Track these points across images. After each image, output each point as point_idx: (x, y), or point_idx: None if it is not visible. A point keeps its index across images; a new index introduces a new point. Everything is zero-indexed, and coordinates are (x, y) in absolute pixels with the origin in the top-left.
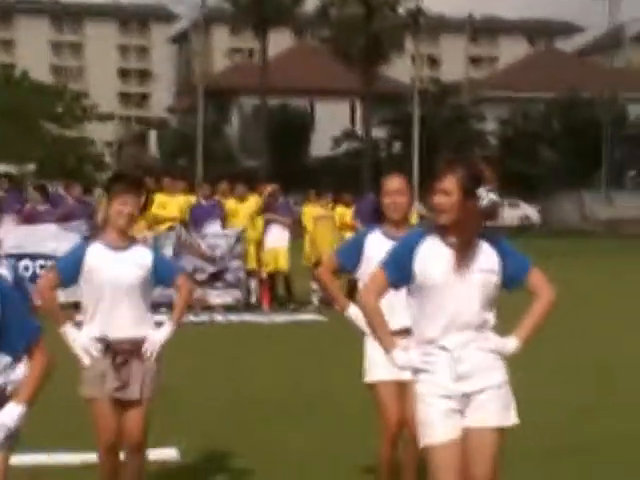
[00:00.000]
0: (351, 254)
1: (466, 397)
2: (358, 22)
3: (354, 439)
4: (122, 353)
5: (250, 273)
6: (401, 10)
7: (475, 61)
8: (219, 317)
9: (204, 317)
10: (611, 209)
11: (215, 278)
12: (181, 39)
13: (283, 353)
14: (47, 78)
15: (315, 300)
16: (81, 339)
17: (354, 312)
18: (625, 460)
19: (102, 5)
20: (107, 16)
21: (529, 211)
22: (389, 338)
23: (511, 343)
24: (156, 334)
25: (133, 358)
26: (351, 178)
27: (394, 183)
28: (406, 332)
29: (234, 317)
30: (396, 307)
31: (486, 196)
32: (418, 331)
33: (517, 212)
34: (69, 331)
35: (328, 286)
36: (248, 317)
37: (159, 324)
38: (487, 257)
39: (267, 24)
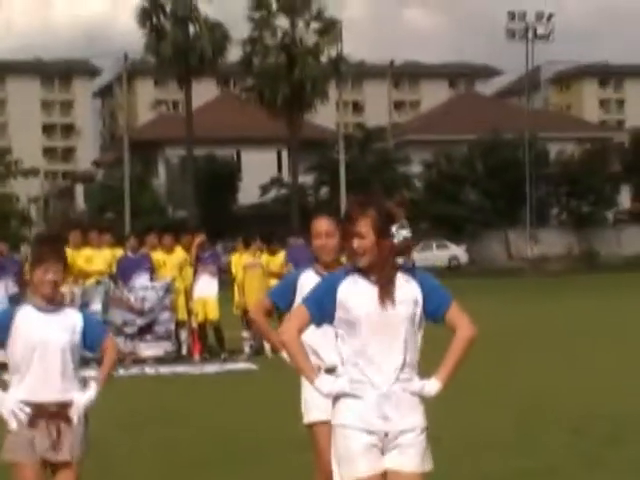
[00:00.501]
0: (284, 294)
1: (388, 437)
2: (281, 71)
3: None
4: (50, 416)
5: (180, 324)
6: (323, 58)
7: (398, 105)
8: (150, 370)
9: (135, 370)
10: (536, 247)
11: (145, 331)
12: (105, 93)
13: (216, 403)
14: None
15: (247, 349)
16: (8, 402)
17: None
18: None
19: (24, 62)
20: (29, 72)
21: (457, 251)
22: (310, 367)
23: (432, 385)
24: (81, 397)
25: (61, 420)
26: (280, 224)
27: (322, 225)
28: (334, 371)
29: (165, 369)
30: (323, 347)
31: (397, 233)
32: (346, 369)
33: (445, 253)
34: None
35: (262, 328)
36: (179, 368)
37: (86, 380)
38: (408, 289)
39: (191, 75)
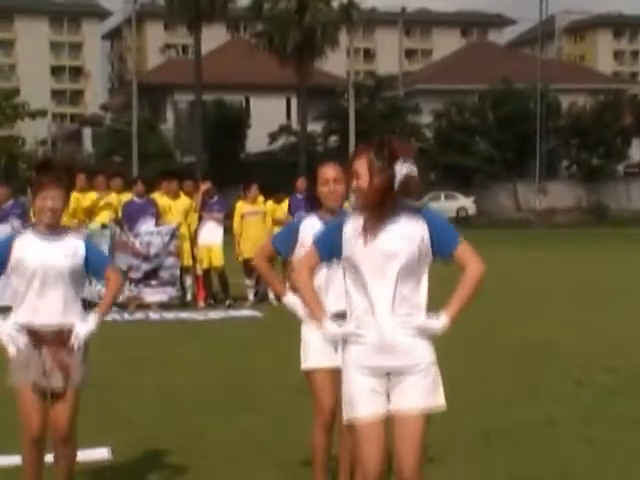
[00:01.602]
0: (286, 240)
1: (390, 377)
2: (291, 17)
3: (288, 433)
4: (47, 341)
5: (185, 270)
6: (334, 4)
7: (410, 54)
8: (154, 315)
9: (139, 315)
10: (545, 199)
11: (150, 276)
12: (114, 35)
13: (220, 349)
14: None
15: (251, 296)
16: (6, 328)
17: (291, 298)
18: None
19: (33, 1)
20: (38, 13)
21: (465, 202)
22: (321, 310)
23: (439, 321)
24: (82, 325)
25: (58, 347)
26: (288, 173)
27: (330, 171)
28: (342, 316)
29: (170, 315)
30: (330, 291)
31: (401, 169)
32: (350, 307)
33: (454, 204)
34: None
35: (264, 274)
36: (184, 315)
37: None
38: (410, 227)
39: (201, 19)
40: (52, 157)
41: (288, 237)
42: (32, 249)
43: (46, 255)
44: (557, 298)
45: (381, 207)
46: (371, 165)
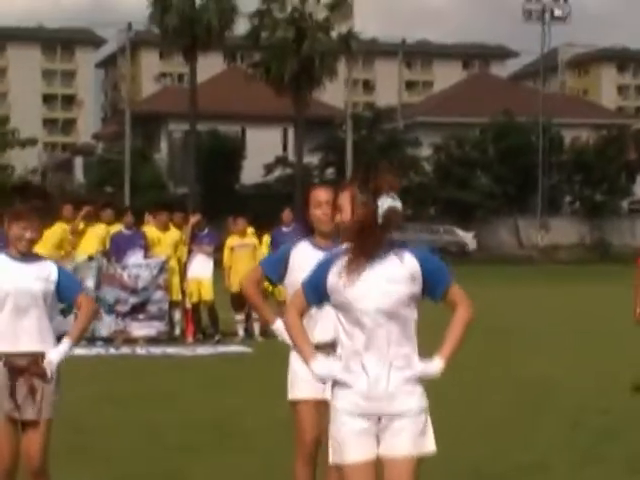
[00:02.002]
0: (275, 266)
1: (381, 420)
2: (289, 46)
3: (275, 472)
4: (21, 369)
5: (173, 304)
6: (333, 34)
7: (410, 85)
8: (141, 350)
9: (126, 350)
10: (547, 235)
11: (137, 310)
12: (108, 64)
13: (208, 385)
14: None
15: (240, 331)
16: None
17: (279, 326)
18: None
19: (26, 29)
20: (31, 40)
21: (465, 237)
22: (309, 350)
23: (435, 365)
24: (53, 352)
25: (29, 375)
26: (283, 205)
27: (323, 194)
28: (330, 346)
29: (157, 350)
30: (319, 321)
31: (385, 202)
32: (341, 347)
33: (451, 239)
34: None
35: (252, 299)
36: (171, 350)
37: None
38: (400, 267)
39: (197, 48)
40: (30, 184)
41: (278, 262)
42: (5, 271)
43: (20, 279)
44: (556, 335)
45: (364, 243)
46: (354, 199)
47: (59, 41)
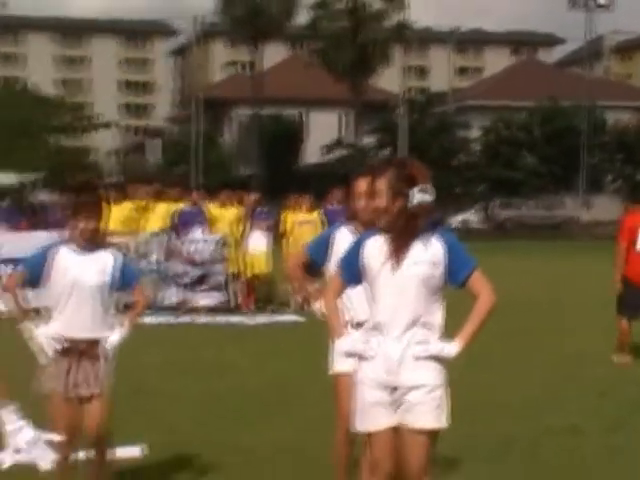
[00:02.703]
0: (319, 248)
1: (399, 393)
2: (346, 35)
3: (322, 435)
4: (79, 352)
5: (232, 276)
6: (388, 23)
7: (462, 71)
8: (202, 319)
9: (188, 318)
10: (589, 212)
11: (199, 281)
12: (180, 53)
13: (262, 353)
14: (52, 91)
15: (294, 301)
16: (40, 336)
17: (318, 304)
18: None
19: (106, 21)
20: (111, 31)
21: (510, 213)
22: (339, 327)
23: (452, 347)
24: (111, 338)
25: (88, 357)
26: (341, 185)
27: (362, 186)
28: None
29: (216, 319)
30: (355, 301)
31: (416, 196)
32: (370, 320)
33: (499, 215)
34: (28, 328)
35: (297, 280)
36: (230, 319)
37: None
38: (426, 250)
39: (261, 37)
40: (85, 181)
41: (322, 246)
42: (67, 264)
43: (80, 271)
44: (595, 308)
45: (396, 228)
46: (392, 187)
47: (136, 32)
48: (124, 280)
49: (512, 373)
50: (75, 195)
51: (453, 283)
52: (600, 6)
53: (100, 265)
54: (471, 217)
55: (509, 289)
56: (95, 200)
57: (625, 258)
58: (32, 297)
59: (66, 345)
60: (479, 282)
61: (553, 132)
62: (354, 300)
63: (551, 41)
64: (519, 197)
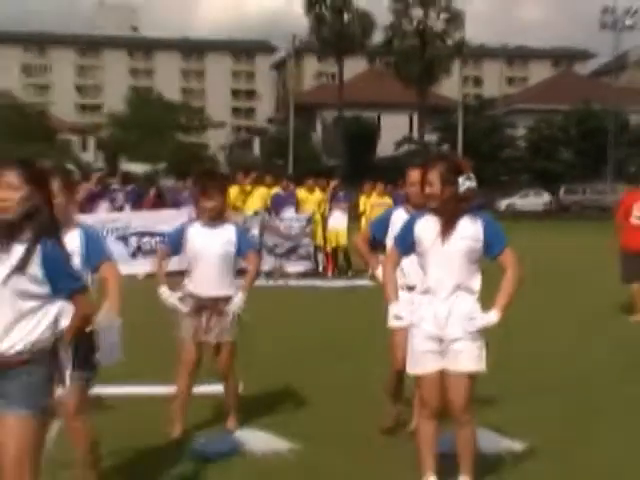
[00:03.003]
0: (380, 226)
1: (445, 343)
2: (415, 51)
3: (382, 375)
4: (207, 306)
5: (317, 248)
6: (449, 41)
7: (510, 80)
8: (293, 282)
9: (281, 282)
10: (614, 196)
11: (290, 252)
12: (279, 66)
13: (339, 310)
14: (177, 97)
15: (372, 270)
16: (172, 297)
17: (378, 273)
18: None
19: (220, 40)
20: (224, 49)
21: (548, 199)
22: (393, 294)
23: (492, 315)
24: (236, 298)
25: (217, 311)
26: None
27: (415, 176)
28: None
29: (305, 282)
30: (407, 269)
31: (462, 184)
32: (420, 285)
33: (538, 200)
34: (162, 290)
35: (361, 251)
36: (316, 282)
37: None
38: (469, 228)
39: (344, 53)
40: (210, 169)
41: (383, 224)
42: (198, 236)
43: (207, 241)
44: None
45: (449, 212)
46: (442, 177)
47: (244, 49)
48: (242, 247)
49: (548, 329)
50: (203, 180)
51: (488, 256)
52: (626, 26)
53: (224, 237)
54: (516, 201)
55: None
56: (219, 184)
57: (625, 231)
58: (176, 262)
59: (197, 301)
60: (509, 257)
61: (586, 131)
62: (407, 268)
63: (585, 56)
64: (558, 185)
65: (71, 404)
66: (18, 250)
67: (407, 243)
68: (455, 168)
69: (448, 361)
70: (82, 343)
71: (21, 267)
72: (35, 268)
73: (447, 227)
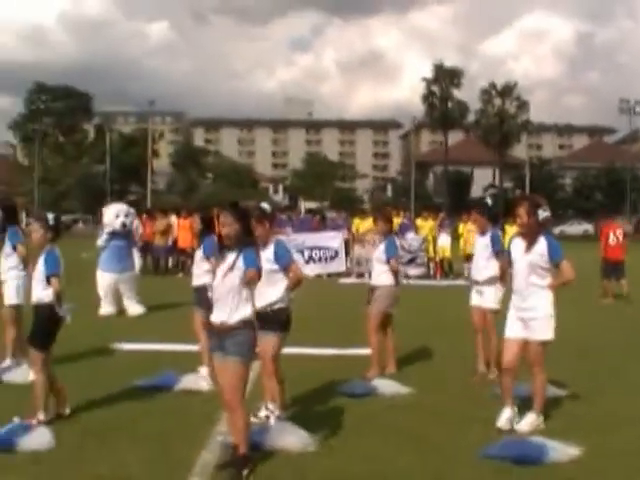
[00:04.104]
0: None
1: (524, 319)
2: (496, 127)
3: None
4: None
5: (429, 259)
6: (519, 120)
7: (560, 147)
8: (412, 282)
9: (404, 281)
10: (628, 226)
11: (411, 261)
12: (405, 136)
13: (444, 303)
14: (335, 158)
15: (466, 274)
16: None
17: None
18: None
19: (365, 120)
20: (367, 125)
21: (588, 227)
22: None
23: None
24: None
25: None
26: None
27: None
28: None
29: (421, 282)
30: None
31: (541, 214)
32: (513, 284)
33: (580, 228)
34: None
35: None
36: (428, 282)
37: None
38: (542, 246)
39: (448, 127)
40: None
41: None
42: None
43: None
44: None
45: (531, 235)
46: (528, 210)
47: (381, 126)
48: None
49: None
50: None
51: (552, 263)
52: (636, 112)
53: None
54: (566, 229)
55: None
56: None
57: (603, 248)
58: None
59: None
60: (564, 266)
61: (611, 182)
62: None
63: (610, 130)
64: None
65: (268, 353)
66: (230, 256)
67: (509, 255)
68: (535, 203)
69: (526, 331)
70: (277, 313)
71: (231, 267)
72: (240, 266)
73: (530, 244)
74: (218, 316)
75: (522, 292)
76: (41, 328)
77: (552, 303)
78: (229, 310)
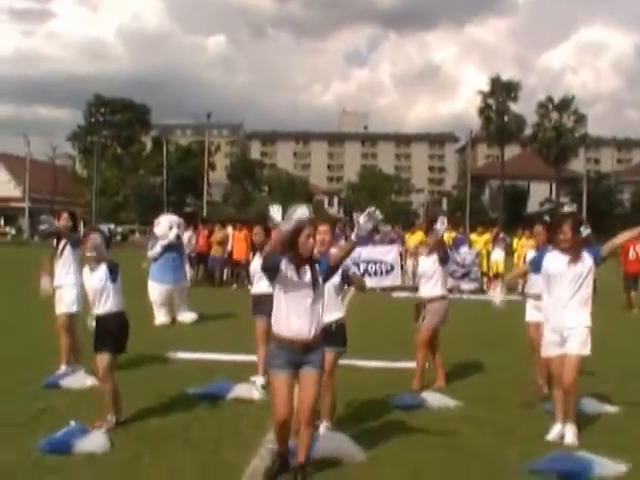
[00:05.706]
0: (537, 263)
1: (563, 334)
2: (553, 141)
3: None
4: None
5: (483, 274)
6: (577, 134)
7: (619, 161)
8: (465, 296)
9: (457, 295)
10: None
11: (464, 275)
12: (461, 150)
13: (496, 314)
14: (392, 172)
15: (519, 287)
16: None
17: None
18: None
19: (421, 133)
20: (423, 139)
21: None
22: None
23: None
24: None
25: None
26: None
27: (539, 228)
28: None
29: (474, 296)
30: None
31: (583, 231)
32: (549, 294)
33: None
34: None
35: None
36: (481, 297)
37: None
38: (585, 258)
39: (505, 142)
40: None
41: (538, 261)
42: None
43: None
44: None
45: (574, 248)
46: (572, 228)
47: (438, 139)
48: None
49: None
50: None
51: (598, 260)
52: None
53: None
54: None
55: None
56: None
57: (623, 262)
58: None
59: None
60: (609, 242)
61: None
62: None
63: None
64: None
65: (328, 369)
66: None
67: (538, 267)
68: (578, 222)
69: (564, 346)
70: (339, 329)
71: (318, 279)
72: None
73: (573, 259)
74: (306, 329)
75: (563, 305)
76: (114, 334)
77: (590, 317)
78: (317, 323)
